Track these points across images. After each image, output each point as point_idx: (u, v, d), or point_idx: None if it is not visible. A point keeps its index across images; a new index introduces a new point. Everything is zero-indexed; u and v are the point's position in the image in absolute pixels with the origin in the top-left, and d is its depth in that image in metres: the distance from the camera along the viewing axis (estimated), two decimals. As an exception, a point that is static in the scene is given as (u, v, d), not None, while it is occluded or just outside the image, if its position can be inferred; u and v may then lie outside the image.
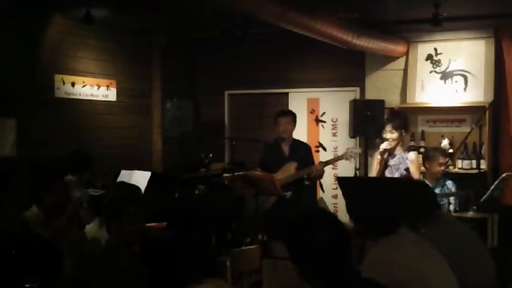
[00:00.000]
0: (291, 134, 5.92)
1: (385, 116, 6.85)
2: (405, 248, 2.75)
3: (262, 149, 6.12)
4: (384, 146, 5.58)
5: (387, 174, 5.56)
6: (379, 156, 5.59)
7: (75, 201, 4.71)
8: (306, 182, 5.83)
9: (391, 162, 5.57)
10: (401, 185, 4.58)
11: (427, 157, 5.93)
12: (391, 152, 5.60)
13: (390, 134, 5.55)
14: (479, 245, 3.57)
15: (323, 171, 5.81)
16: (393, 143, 5.58)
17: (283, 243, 2.19)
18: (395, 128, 5.56)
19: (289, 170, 5.73)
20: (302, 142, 6.18)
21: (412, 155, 5.62)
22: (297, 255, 2.15)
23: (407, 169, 5.51)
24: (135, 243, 3.13)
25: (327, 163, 5.88)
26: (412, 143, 6.99)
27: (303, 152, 5.89)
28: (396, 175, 5.46)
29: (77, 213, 4.58)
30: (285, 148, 5.88)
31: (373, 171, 5.66)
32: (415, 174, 5.50)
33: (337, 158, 6.04)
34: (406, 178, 5.34)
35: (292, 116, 5.95)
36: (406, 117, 5.99)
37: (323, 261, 2.09)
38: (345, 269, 2.11)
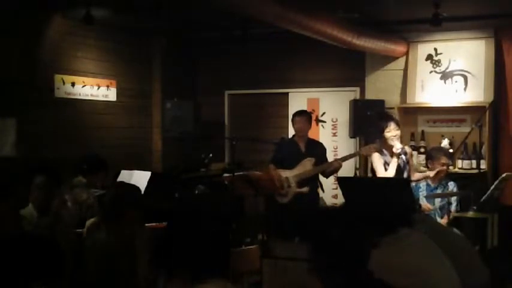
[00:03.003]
0: (307, 132, 6.14)
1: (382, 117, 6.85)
2: (407, 252, 2.74)
3: (277, 147, 6.27)
4: (399, 145, 5.28)
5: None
6: (396, 159, 5.23)
7: (81, 203, 4.73)
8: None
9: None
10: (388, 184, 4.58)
11: (430, 157, 5.92)
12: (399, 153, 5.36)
13: (396, 131, 5.31)
14: (468, 245, 3.56)
15: (341, 166, 5.97)
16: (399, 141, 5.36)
17: (302, 236, 2.19)
18: (398, 125, 5.37)
19: (307, 166, 5.88)
20: (317, 141, 6.42)
21: (409, 149, 5.53)
22: (317, 248, 2.14)
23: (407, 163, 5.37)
24: (135, 243, 3.13)
25: (345, 158, 6.02)
26: (412, 143, 6.99)
27: (318, 150, 6.10)
28: (405, 175, 5.34)
29: (84, 214, 4.59)
30: (302, 145, 6.05)
31: (388, 175, 5.27)
32: (414, 166, 5.43)
33: (355, 153, 6.23)
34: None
35: (308, 116, 6.23)
36: None
37: (341, 257, 2.10)
38: (358, 268, 2.12)
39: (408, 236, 2.83)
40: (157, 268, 2.31)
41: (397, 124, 5.36)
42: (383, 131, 5.34)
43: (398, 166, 5.28)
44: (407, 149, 5.53)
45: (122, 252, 3.05)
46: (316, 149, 6.10)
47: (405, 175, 5.34)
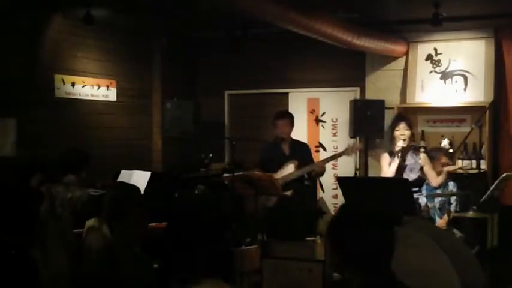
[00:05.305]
0: (289, 134, 6.03)
1: (385, 116, 6.86)
2: (409, 251, 2.74)
3: (261, 150, 6.19)
4: (401, 144, 5.34)
5: (404, 175, 5.34)
6: (398, 155, 5.33)
7: (75, 201, 4.73)
8: (306, 182, 5.85)
9: (407, 163, 5.38)
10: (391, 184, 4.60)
11: (430, 157, 5.92)
12: (405, 153, 5.41)
13: (405, 131, 5.37)
14: (465, 247, 3.56)
15: (324, 169, 5.92)
16: (406, 142, 5.38)
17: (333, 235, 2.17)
18: (409, 126, 5.42)
19: (289, 169, 5.79)
20: (301, 142, 6.28)
21: (423, 155, 5.47)
22: (346, 249, 2.14)
23: (421, 168, 5.39)
24: (136, 244, 3.13)
25: (328, 160, 5.97)
26: (412, 143, 6.98)
27: (302, 152, 5.98)
28: (412, 176, 5.31)
29: (75, 212, 4.60)
30: (285, 148, 5.96)
31: (388, 173, 5.39)
32: (431, 173, 5.38)
33: (338, 155, 6.09)
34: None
35: (290, 118, 6.09)
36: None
37: (370, 257, 2.10)
38: (384, 269, 2.12)
39: (410, 236, 2.84)
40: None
41: (409, 125, 5.41)
42: (394, 130, 5.42)
43: (400, 166, 5.31)
44: (422, 155, 5.46)
45: (123, 253, 3.05)
46: (301, 151, 5.99)
47: (412, 177, 5.32)
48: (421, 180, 5.42)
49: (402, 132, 5.38)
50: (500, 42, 6.76)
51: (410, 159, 5.41)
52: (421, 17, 6.11)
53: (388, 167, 5.43)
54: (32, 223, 2.62)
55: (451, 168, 5.66)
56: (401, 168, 5.37)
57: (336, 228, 2.17)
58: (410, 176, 5.34)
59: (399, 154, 5.36)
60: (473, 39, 6.86)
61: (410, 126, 5.45)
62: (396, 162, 5.35)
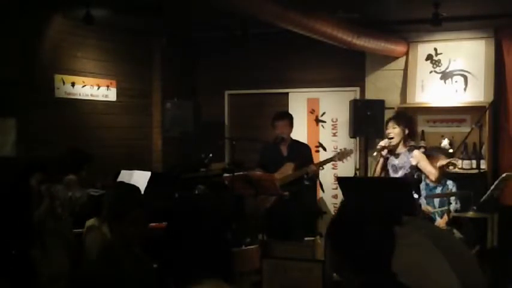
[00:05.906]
0: (289, 135, 6.05)
1: (385, 116, 6.84)
2: (407, 251, 2.73)
3: (261, 150, 6.20)
4: (382, 143, 5.27)
5: (391, 174, 5.25)
6: (375, 153, 5.32)
7: (75, 201, 4.74)
8: (306, 182, 5.86)
9: (395, 161, 5.25)
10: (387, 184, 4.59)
11: (429, 156, 5.91)
12: (393, 151, 5.29)
13: (392, 129, 5.23)
14: (465, 247, 3.56)
15: (318, 171, 5.94)
16: (394, 140, 5.22)
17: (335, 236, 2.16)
18: (397, 123, 5.26)
19: (287, 170, 5.81)
20: (301, 143, 6.29)
21: (415, 152, 5.29)
22: (348, 248, 2.13)
23: (411, 167, 5.20)
24: (136, 244, 3.13)
25: (320, 164, 5.99)
26: (412, 143, 6.97)
27: (302, 153, 5.99)
28: (399, 174, 5.19)
29: (75, 212, 4.60)
30: (284, 149, 5.97)
31: (375, 173, 5.40)
32: (427, 167, 5.20)
33: (329, 159, 6.05)
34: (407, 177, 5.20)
35: (289, 118, 6.10)
36: (411, 118, 5.77)
37: (370, 257, 2.10)
38: (384, 269, 2.12)
39: (408, 235, 2.84)
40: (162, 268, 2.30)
41: (397, 122, 5.29)
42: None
43: (382, 165, 5.29)
44: (415, 152, 5.31)
45: (122, 253, 3.05)
46: (299, 152, 5.99)
47: (400, 174, 5.26)
48: (406, 179, 5.25)
49: (390, 131, 5.26)
50: (500, 42, 6.76)
51: (402, 158, 5.28)
52: (421, 17, 6.11)
53: (376, 166, 5.43)
54: (32, 223, 2.61)
55: (443, 162, 5.56)
56: (384, 167, 5.31)
57: (336, 228, 2.17)
58: (399, 174, 5.24)
59: (382, 153, 5.26)
60: (473, 39, 6.86)
61: (399, 122, 5.27)
62: (379, 162, 5.34)
